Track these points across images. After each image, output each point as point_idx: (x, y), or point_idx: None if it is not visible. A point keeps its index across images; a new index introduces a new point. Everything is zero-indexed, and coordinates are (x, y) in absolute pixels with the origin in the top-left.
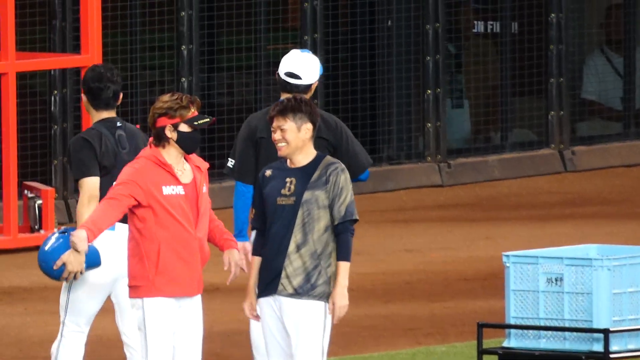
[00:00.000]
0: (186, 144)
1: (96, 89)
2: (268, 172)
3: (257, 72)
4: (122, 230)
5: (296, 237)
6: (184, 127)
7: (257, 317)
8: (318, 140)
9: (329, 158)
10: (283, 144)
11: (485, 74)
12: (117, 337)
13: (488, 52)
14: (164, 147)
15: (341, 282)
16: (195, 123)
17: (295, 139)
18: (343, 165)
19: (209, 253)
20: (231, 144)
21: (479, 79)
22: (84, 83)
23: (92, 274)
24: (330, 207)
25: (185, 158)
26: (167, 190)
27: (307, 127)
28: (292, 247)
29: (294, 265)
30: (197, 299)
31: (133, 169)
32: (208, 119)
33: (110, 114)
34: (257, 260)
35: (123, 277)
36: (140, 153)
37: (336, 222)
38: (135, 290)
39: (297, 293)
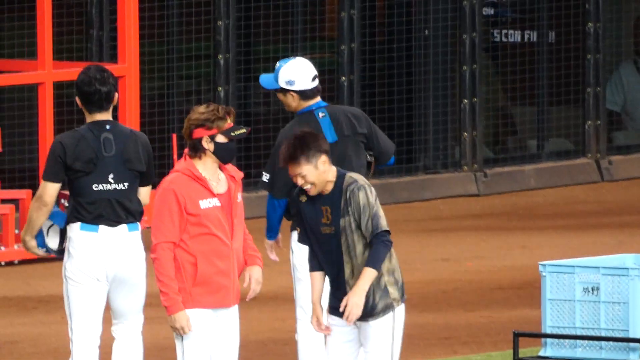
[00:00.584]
0: (223, 155)
1: (87, 92)
2: (303, 198)
3: None
4: (107, 232)
5: (347, 263)
6: (220, 138)
7: (327, 330)
8: (357, 136)
9: (347, 178)
10: (309, 186)
11: (522, 83)
12: (154, 347)
13: (525, 62)
14: (200, 158)
15: (361, 285)
16: (232, 134)
17: (319, 177)
18: (360, 182)
19: (249, 262)
20: (267, 153)
21: (515, 89)
22: (76, 86)
23: (80, 278)
24: (359, 227)
25: (220, 167)
26: (204, 204)
27: (323, 160)
28: (347, 273)
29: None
30: (234, 309)
31: (169, 189)
32: (244, 130)
33: (104, 115)
34: (317, 275)
35: (114, 278)
36: (175, 166)
37: (369, 240)
38: None
39: (363, 317)
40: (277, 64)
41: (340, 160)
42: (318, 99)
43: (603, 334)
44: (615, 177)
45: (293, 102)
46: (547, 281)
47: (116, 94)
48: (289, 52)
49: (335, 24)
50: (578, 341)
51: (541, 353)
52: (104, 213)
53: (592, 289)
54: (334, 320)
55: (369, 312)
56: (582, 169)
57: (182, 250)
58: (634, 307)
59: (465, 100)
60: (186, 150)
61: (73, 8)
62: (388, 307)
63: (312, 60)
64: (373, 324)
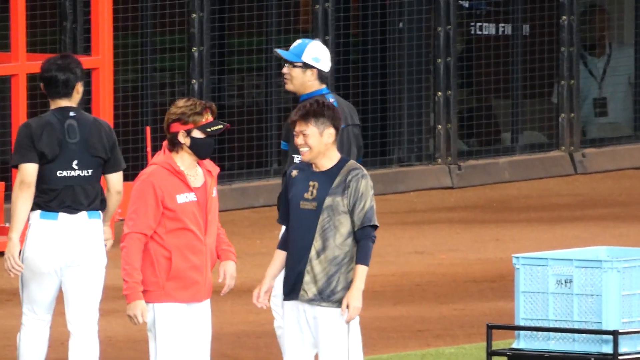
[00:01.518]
0: (199, 150)
1: (45, 78)
2: (294, 173)
3: (268, 74)
4: (66, 219)
5: (317, 242)
6: (197, 133)
7: (264, 304)
8: (354, 127)
9: (351, 163)
10: (305, 149)
11: (496, 76)
12: (128, 339)
13: (500, 55)
14: (177, 152)
15: (357, 284)
16: (209, 129)
17: (318, 144)
18: (365, 172)
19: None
20: (241, 146)
21: (490, 82)
22: (39, 73)
23: (35, 264)
24: (351, 213)
25: (197, 161)
26: (181, 198)
27: (330, 132)
28: (313, 252)
29: (315, 270)
30: (207, 303)
31: (148, 181)
32: (221, 126)
33: (67, 102)
34: (279, 253)
35: (70, 266)
36: (153, 158)
37: (356, 229)
38: (145, 295)
39: (318, 299)
40: (299, 41)
41: (339, 147)
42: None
43: (576, 326)
44: (588, 169)
45: (309, 80)
46: (520, 274)
47: (78, 84)
48: (263, 45)
49: (310, 17)
50: (551, 333)
51: (514, 345)
52: (66, 200)
53: (565, 282)
54: (289, 306)
55: (326, 296)
56: (556, 162)
57: (156, 244)
58: (607, 299)
59: (440, 93)
60: (165, 143)
61: (47, 0)
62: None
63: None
64: (327, 315)
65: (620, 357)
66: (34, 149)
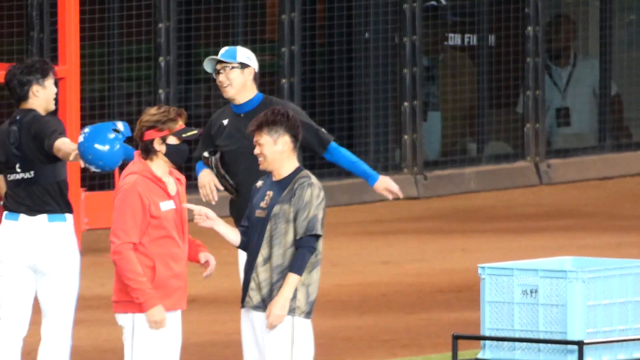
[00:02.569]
0: (175, 157)
1: (7, 86)
2: (259, 184)
3: None
4: (26, 221)
5: (263, 250)
6: (172, 140)
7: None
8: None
9: (303, 172)
10: (261, 158)
11: (461, 86)
12: (95, 349)
13: (465, 65)
14: (152, 160)
15: (284, 293)
16: (184, 135)
17: (272, 153)
18: (312, 181)
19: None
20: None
21: (455, 91)
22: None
23: (2, 268)
24: (294, 220)
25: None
26: (164, 206)
27: (285, 140)
28: (259, 260)
29: (260, 277)
30: (179, 312)
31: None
32: (195, 131)
33: (23, 106)
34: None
35: (37, 272)
36: (130, 167)
37: (297, 237)
38: (125, 305)
39: (261, 306)
40: (225, 48)
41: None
42: None
43: (541, 336)
44: (554, 180)
45: (248, 80)
46: (486, 284)
47: (24, 88)
48: None
49: (276, 27)
50: (517, 343)
51: (480, 355)
52: (23, 202)
53: (531, 292)
54: (242, 312)
55: (262, 304)
56: (522, 172)
57: (140, 253)
58: (572, 309)
59: (406, 103)
60: (137, 153)
61: (13, 10)
62: (289, 311)
63: None
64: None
65: None
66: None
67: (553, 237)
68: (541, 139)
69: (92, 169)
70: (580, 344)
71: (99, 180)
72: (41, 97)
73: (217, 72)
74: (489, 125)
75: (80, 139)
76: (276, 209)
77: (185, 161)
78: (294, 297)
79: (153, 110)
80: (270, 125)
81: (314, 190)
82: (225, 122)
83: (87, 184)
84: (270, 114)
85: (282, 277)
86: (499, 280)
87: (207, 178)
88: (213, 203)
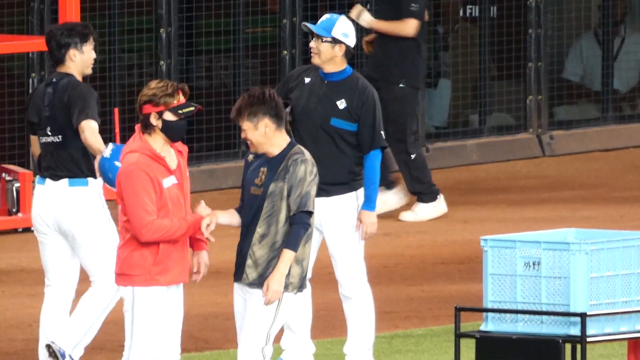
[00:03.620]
0: (171, 133)
1: (48, 48)
2: (250, 157)
3: (236, 56)
4: (51, 186)
5: (260, 227)
6: (168, 116)
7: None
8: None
9: (296, 148)
10: (249, 142)
11: (464, 57)
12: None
13: (467, 36)
14: (150, 135)
15: (280, 269)
16: (180, 112)
17: (255, 137)
18: (306, 156)
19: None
20: (210, 127)
21: (457, 63)
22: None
23: (36, 231)
24: (288, 197)
25: (169, 143)
26: (167, 183)
27: (265, 123)
28: (255, 237)
29: (256, 255)
30: (181, 286)
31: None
32: (193, 108)
33: (60, 69)
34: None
35: (65, 235)
36: (131, 144)
37: (291, 213)
38: (127, 278)
39: (257, 283)
40: (327, 16)
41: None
42: None
43: (544, 308)
44: (556, 152)
45: (337, 55)
46: (488, 256)
47: (61, 51)
48: (230, 27)
49: None
50: (519, 316)
51: (482, 327)
52: (49, 165)
53: (534, 264)
54: (235, 287)
55: (263, 280)
56: (524, 144)
57: None
58: (575, 281)
59: None
60: (137, 127)
61: None
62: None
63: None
64: (258, 298)
65: (588, 339)
66: (28, 120)
67: (555, 208)
68: (544, 110)
69: (107, 185)
70: (582, 316)
71: None
72: (78, 61)
73: (312, 37)
74: (491, 97)
75: (106, 154)
76: (272, 187)
77: (182, 137)
78: (288, 274)
79: (153, 84)
80: (248, 110)
81: (307, 166)
82: (307, 80)
83: None
84: (247, 99)
85: (278, 254)
86: (501, 253)
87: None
88: None
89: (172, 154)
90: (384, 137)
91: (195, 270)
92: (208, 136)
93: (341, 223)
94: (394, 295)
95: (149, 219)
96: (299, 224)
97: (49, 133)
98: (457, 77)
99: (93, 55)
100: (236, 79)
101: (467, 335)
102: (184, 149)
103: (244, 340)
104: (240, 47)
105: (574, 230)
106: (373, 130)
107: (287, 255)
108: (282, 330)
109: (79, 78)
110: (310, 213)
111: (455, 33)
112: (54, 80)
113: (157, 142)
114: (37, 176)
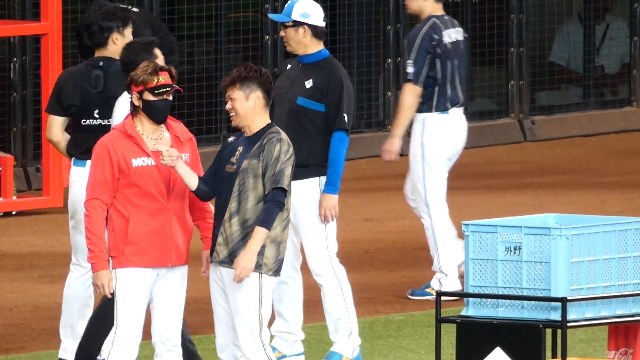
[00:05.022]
0: (152, 113)
1: (87, 29)
2: (231, 138)
3: (218, 41)
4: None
5: (231, 205)
6: (148, 96)
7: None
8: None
9: (273, 128)
10: (233, 113)
11: None
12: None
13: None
14: (136, 115)
15: (251, 246)
16: (157, 92)
17: (244, 108)
18: (282, 136)
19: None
20: (191, 112)
21: None
22: None
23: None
24: (263, 176)
25: (166, 126)
26: (137, 162)
27: (256, 95)
28: (227, 215)
29: (227, 233)
30: (178, 269)
31: (103, 145)
32: (169, 88)
33: (101, 52)
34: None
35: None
36: (116, 124)
37: (266, 192)
38: (112, 261)
39: (228, 261)
40: (289, 1)
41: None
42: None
43: (525, 293)
44: (538, 137)
45: (303, 38)
46: (469, 241)
47: (104, 35)
48: (212, 11)
49: None
50: (500, 301)
51: (463, 312)
52: (90, 148)
53: (515, 249)
54: (211, 267)
55: (229, 259)
56: (505, 129)
57: (115, 209)
58: (556, 266)
59: (390, 60)
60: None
61: None
62: (256, 267)
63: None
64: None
65: (568, 324)
66: (59, 102)
67: (537, 194)
68: (525, 96)
69: None
70: (563, 301)
71: None
72: (119, 45)
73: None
74: (472, 83)
75: None
76: (245, 163)
77: (164, 118)
78: (262, 254)
79: (142, 64)
80: (243, 81)
81: (282, 145)
82: (288, 66)
83: None
84: (243, 70)
85: (250, 232)
86: (482, 238)
87: None
88: None
89: (164, 137)
90: (346, 120)
91: (202, 269)
92: (189, 121)
93: (303, 208)
94: (375, 280)
95: (91, 195)
96: (272, 201)
97: (97, 116)
98: None
99: (132, 39)
100: (218, 64)
101: (448, 320)
102: (185, 135)
103: (240, 332)
104: (222, 32)
105: (555, 215)
106: (337, 111)
107: (259, 232)
108: (273, 317)
109: None
110: (284, 191)
111: None
112: (101, 64)
113: (144, 122)
114: (73, 158)
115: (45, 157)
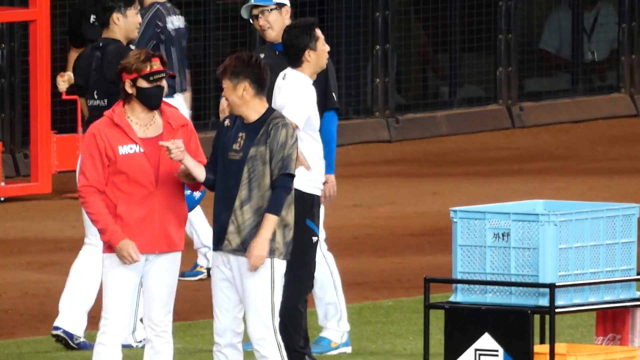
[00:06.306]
0: (146, 100)
1: (93, 9)
2: (227, 122)
3: (207, 27)
4: None
5: (241, 193)
6: (142, 83)
7: None
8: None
9: (276, 113)
10: (227, 103)
11: (434, 30)
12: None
13: (438, 8)
14: (128, 103)
15: (263, 233)
16: (151, 78)
17: (232, 97)
18: (286, 121)
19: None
20: None
21: (428, 35)
22: None
23: None
24: (270, 161)
25: (161, 112)
26: (124, 150)
27: (244, 86)
28: (237, 203)
29: (238, 221)
30: (168, 256)
31: (91, 133)
32: (163, 74)
33: (106, 33)
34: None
35: None
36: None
37: (273, 177)
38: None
39: (241, 249)
40: None
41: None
42: None
43: (513, 279)
44: (526, 123)
45: (286, 20)
46: (458, 227)
47: (105, 14)
48: None
49: None
50: (488, 287)
51: (452, 299)
52: None
53: (503, 235)
54: (216, 256)
55: (242, 247)
56: (494, 116)
57: (105, 196)
58: (544, 252)
59: (378, 47)
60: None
61: None
62: (270, 252)
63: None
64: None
65: (556, 310)
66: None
67: (525, 180)
68: (514, 82)
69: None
70: (551, 287)
71: (70, 123)
72: (122, 25)
73: (255, 17)
74: (461, 69)
75: None
76: (252, 151)
77: (158, 105)
78: (273, 239)
79: (133, 52)
80: (231, 70)
81: (288, 130)
82: (262, 56)
83: (58, 127)
84: (233, 60)
85: (262, 219)
86: (470, 224)
87: None
88: None
89: (155, 123)
90: (335, 99)
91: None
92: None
93: None
94: (364, 266)
95: (83, 183)
96: (281, 187)
97: (95, 97)
98: (427, 49)
99: (138, 19)
100: (206, 50)
101: (436, 306)
102: (178, 121)
103: (251, 317)
104: (211, 19)
105: (543, 201)
106: (325, 92)
107: (270, 219)
108: None
109: (124, 42)
110: (292, 176)
111: (417, 7)
112: (101, 45)
113: (135, 110)
114: None
115: (33, 143)
